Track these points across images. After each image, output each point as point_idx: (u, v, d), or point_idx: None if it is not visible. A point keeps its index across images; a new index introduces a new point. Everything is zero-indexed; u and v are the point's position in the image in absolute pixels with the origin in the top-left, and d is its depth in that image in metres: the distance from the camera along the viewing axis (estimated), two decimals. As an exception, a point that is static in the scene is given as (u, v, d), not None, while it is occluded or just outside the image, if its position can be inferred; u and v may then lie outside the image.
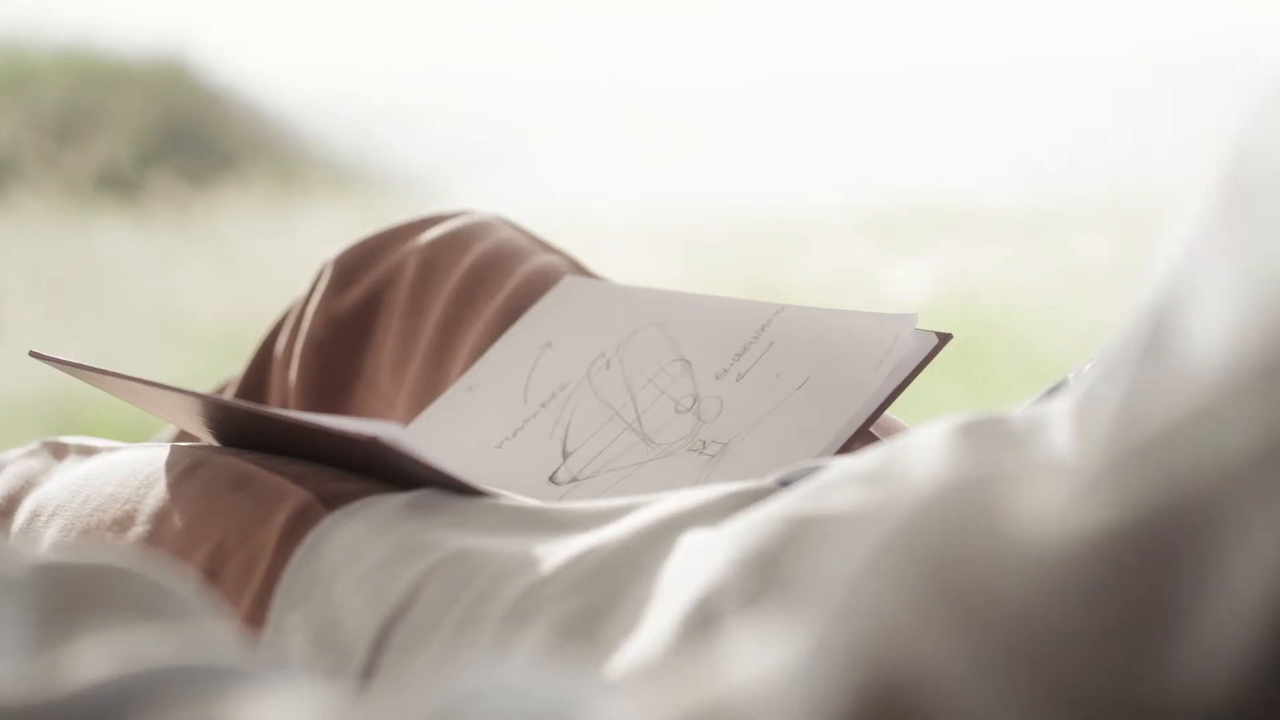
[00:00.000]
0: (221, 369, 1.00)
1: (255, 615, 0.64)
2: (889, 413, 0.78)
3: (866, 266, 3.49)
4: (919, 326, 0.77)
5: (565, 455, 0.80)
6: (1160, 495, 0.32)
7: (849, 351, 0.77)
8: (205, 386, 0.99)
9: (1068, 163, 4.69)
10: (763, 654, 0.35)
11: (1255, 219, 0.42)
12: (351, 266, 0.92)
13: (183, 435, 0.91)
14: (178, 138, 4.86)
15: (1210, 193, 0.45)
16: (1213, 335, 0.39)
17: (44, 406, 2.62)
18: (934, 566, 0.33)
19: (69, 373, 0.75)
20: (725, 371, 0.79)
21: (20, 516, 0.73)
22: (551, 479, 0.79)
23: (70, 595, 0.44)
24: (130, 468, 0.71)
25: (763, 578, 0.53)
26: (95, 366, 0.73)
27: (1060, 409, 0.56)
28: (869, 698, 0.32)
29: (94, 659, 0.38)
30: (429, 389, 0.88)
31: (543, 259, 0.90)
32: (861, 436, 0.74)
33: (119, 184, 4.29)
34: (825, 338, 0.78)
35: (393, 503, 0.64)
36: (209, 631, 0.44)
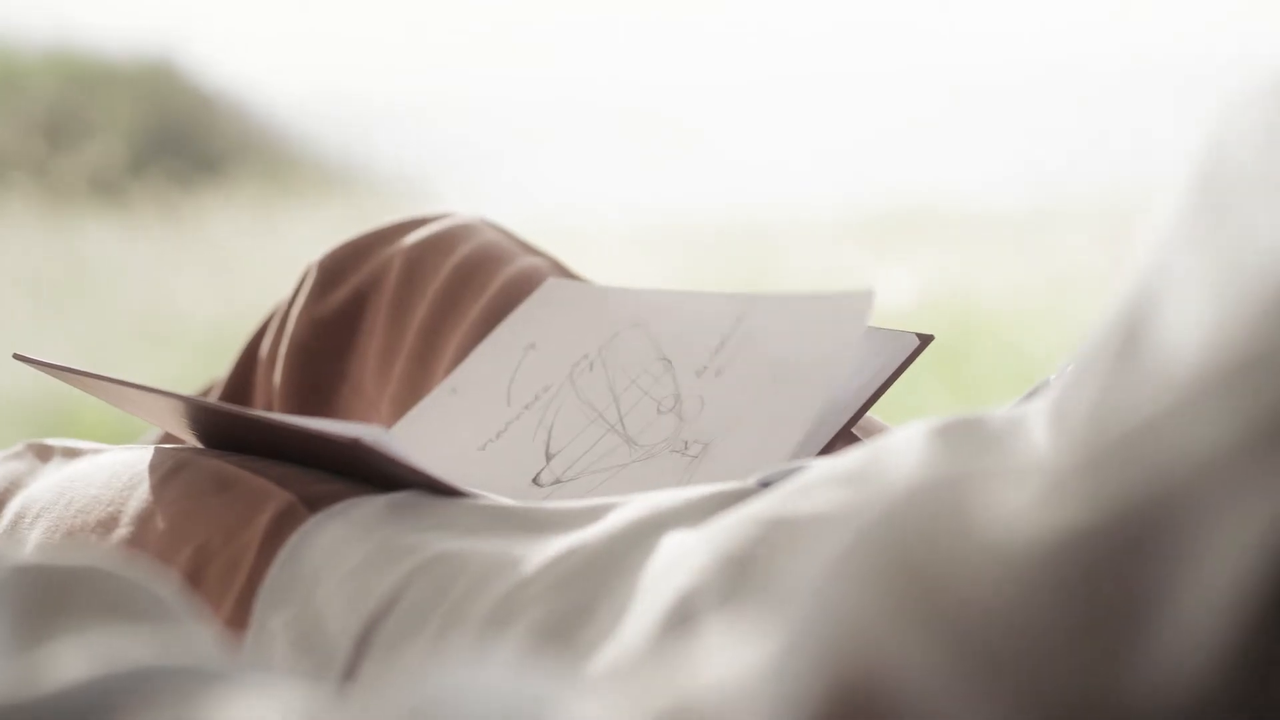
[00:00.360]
0: (212, 371, 1.00)
1: (238, 617, 0.64)
2: (871, 413, 0.78)
3: (862, 267, 3.49)
4: (905, 329, 0.77)
5: (548, 457, 0.80)
6: (1129, 494, 0.32)
7: (814, 335, 0.77)
8: (195, 388, 0.99)
9: (1062, 164, 4.69)
10: (735, 654, 0.35)
11: (1227, 217, 0.42)
12: (335, 269, 0.92)
13: (167, 438, 0.91)
14: (167, 140, 4.86)
15: (1184, 191, 0.45)
16: (1185, 333, 0.39)
17: (33, 408, 2.62)
18: (902, 566, 0.33)
19: (53, 375, 0.75)
20: (705, 368, 0.80)
21: (5, 518, 0.73)
22: (535, 481, 0.79)
23: (49, 597, 0.44)
24: (114, 470, 0.72)
25: (740, 578, 0.53)
26: (79, 369, 0.73)
27: (1037, 409, 0.56)
28: (837, 697, 0.32)
29: (72, 660, 0.38)
30: (413, 391, 0.88)
31: (526, 261, 0.90)
32: (843, 438, 0.75)
33: (108, 186, 4.29)
34: (793, 325, 0.79)
35: (375, 504, 0.65)
36: (188, 633, 0.44)
